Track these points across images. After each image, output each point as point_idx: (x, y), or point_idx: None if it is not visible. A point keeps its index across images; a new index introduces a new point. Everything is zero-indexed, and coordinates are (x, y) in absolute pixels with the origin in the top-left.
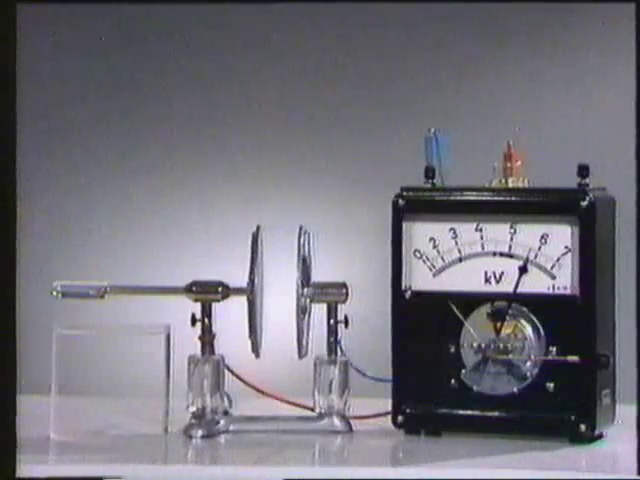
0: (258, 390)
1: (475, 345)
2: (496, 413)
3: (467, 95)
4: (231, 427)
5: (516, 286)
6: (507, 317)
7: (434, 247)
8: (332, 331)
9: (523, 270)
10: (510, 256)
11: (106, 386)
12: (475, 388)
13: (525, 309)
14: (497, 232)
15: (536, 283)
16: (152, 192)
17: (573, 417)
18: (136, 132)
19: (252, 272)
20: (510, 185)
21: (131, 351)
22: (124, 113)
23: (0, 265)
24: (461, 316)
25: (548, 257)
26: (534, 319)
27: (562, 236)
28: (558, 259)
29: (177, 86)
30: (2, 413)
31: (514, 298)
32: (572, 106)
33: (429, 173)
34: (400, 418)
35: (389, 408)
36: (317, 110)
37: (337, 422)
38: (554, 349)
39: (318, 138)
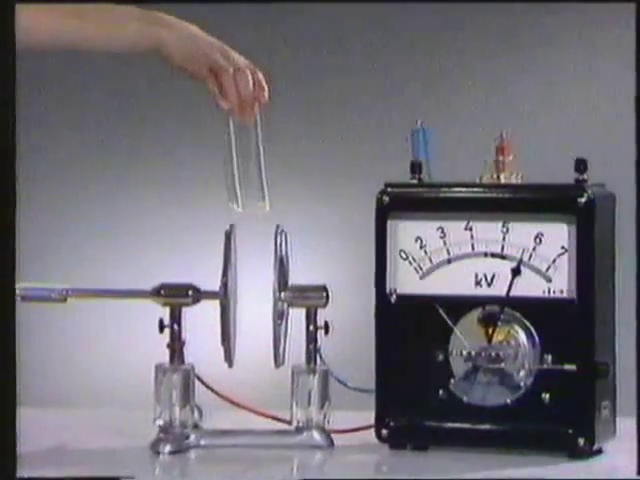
0: (231, 402)
1: (465, 353)
2: (487, 426)
3: (456, 86)
4: (202, 442)
5: (509, 289)
6: (499, 323)
7: (421, 247)
8: (311, 338)
9: (516, 272)
10: (502, 257)
11: (71, 397)
12: (465, 399)
13: (518, 314)
14: (488, 231)
15: (530, 286)
16: (120, 188)
17: (570, 430)
18: (104, 130)
19: (225, 274)
20: (502, 181)
21: (88, 361)
22: (91, 110)
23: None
24: (450, 321)
25: (543, 258)
26: (528, 325)
27: (558, 235)
28: (554, 260)
29: (153, 86)
30: (2, 413)
31: (507, 302)
32: (568, 97)
33: (415, 168)
34: (384, 432)
35: (372, 421)
36: (294, 102)
37: (316, 436)
38: (550, 357)
39: (294, 129)
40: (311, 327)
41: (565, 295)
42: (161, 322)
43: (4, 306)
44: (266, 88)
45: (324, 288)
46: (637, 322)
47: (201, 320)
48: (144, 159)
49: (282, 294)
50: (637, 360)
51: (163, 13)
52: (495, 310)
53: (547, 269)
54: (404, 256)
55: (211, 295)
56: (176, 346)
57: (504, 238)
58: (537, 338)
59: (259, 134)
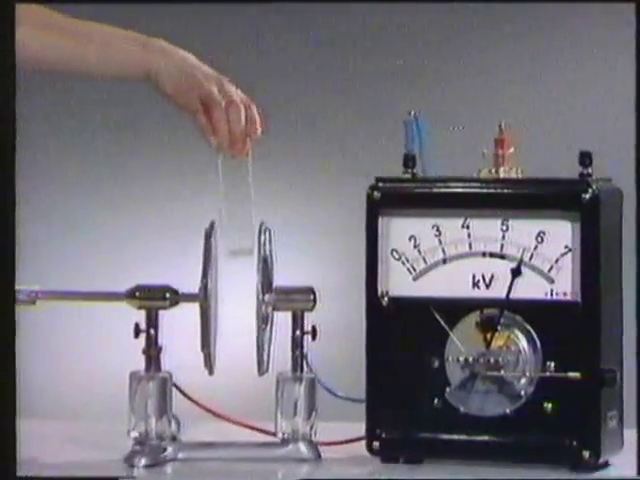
0: (211, 412)
1: (462, 359)
2: (485, 438)
3: (452, 74)
4: (180, 455)
5: (508, 291)
6: (498, 327)
7: (415, 246)
8: (297, 343)
9: (516, 273)
10: (502, 257)
11: (41, 407)
12: (461, 409)
13: (519, 318)
14: (487, 229)
15: (532, 288)
16: (97, 186)
17: (574, 442)
18: (78, 133)
19: (205, 275)
20: (502, 175)
21: (59, 369)
22: (71, 115)
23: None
24: (446, 326)
25: (545, 258)
26: (529, 329)
27: (561, 234)
28: (557, 260)
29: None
30: (2, 413)
31: (506, 305)
32: (572, 86)
33: (409, 162)
34: (375, 444)
35: (363, 432)
36: (280, 95)
37: (303, 449)
38: (552, 364)
39: (279, 121)
40: (297, 332)
41: (569, 297)
42: (136, 327)
43: (4, 309)
44: (260, 123)
45: (311, 290)
46: (637, 323)
47: (179, 324)
48: (123, 159)
49: (266, 296)
50: (637, 364)
51: (160, 39)
52: (494, 313)
53: (549, 269)
54: (397, 256)
55: (190, 297)
56: (152, 352)
57: (503, 237)
58: (539, 343)
59: (250, 171)
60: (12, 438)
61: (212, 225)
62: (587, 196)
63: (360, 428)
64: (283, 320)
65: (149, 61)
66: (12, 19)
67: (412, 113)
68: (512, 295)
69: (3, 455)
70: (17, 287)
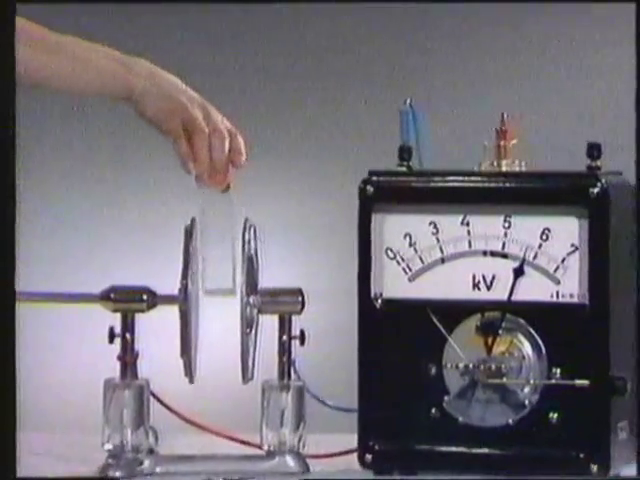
0: (192, 423)
1: (461, 366)
2: (486, 450)
3: (451, 62)
4: (157, 469)
5: (511, 293)
6: (500, 331)
7: (410, 245)
8: (284, 349)
9: (519, 273)
10: (504, 256)
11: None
12: (461, 419)
13: (522, 321)
14: (488, 226)
15: (536, 289)
16: (71, 181)
17: (582, 455)
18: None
19: (185, 276)
20: (504, 168)
21: (29, 377)
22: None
23: None
24: (444, 330)
25: (551, 257)
26: (534, 334)
27: (568, 231)
28: (563, 260)
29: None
30: (2, 412)
31: (509, 308)
32: (579, 74)
33: (404, 154)
34: (368, 456)
35: (355, 444)
36: (266, 79)
37: (290, 462)
38: (558, 371)
39: (265, 107)
40: (284, 337)
41: (576, 299)
42: (111, 331)
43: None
44: (244, 154)
45: (299, 292)
46: (637, 324)
47: (157, 328)
48: (95, 154)
49: (251, 299)
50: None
51: (145, 59)
52: (495, 317)
53: (555, 270)
54: (391, 255)
55: (169, 299)
56: (128, 358)
57: (506, 234)
58: (544, 349)
59: (233, 203)
60: (12, 438)
61: (193, 222)
62: (596, 190)
63: (352, 440)
64: (269, 324)
65: (131, 81)
66: (12, 19)
67: (408, 101)
68: (515, 297)
69: (3, 455)
70: None
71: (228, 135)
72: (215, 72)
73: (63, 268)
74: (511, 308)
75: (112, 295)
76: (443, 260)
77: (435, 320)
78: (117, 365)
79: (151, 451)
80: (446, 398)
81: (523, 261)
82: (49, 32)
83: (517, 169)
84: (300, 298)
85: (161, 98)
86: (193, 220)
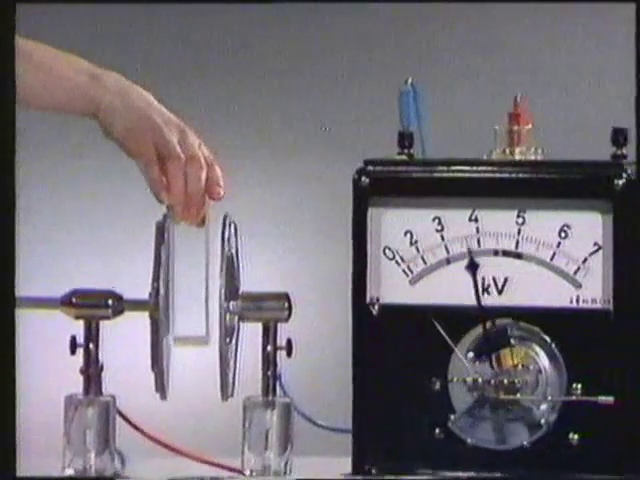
0: (163, 445)
1: (469, 380)
2: (498, 474)
3: (457, 40)
4: None
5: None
6: (513, 341)
7: (412, 243)
8: (269, 361)
9: (474, 267)
10: (518, 256)
11: None
12: (468, 440)
13: (538, 330)
14: (499, 223)
15: (554, 294)
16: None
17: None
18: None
19: (156, 278)
20: (517, 157)
21: None
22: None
23: None
24: (449, 340)
25: (570, 257)
26: (551, 344)
27: (590, 228)
28: (584, 260)
29: None
30: (2, 412)
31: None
32: (602, 53)
33: (404, 140)
34: None
35: (349, 469)
36: (252, 57)
37: None
38: (579, 386)
39: (249, 92)
40: (269, 347)
41: (598, 305)
42: (73, 340)
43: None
44: (222, 185)
45: (285, 297)
46: None
47: (125, 338)
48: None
49: (231, 304)
50: None
51: (117, 74)
52: (508, 325)
53: (575, 271)
54: (390, 255)
55: (138, 305)
56: (92, 371)
57: (520, 232)
58: (562, 361)
59: (208, 240)
60: (12, 438)
61: (165, 217)
62: (621, 182)
63: (345, 464)
64: (252, 333)
65: (97, 95)
66: (12, 19)
67: (409, 81)
68: (530, 302)
69: (3, 455)
70: None
71: (205, 164)
72: (203, 59)
73: (25, 271)
74: (525, 315)
75: (74, 300)
76: (449, 261)
77: (440, 329)
78: (80, 379)
79: (117, 476)
80: (452, 417)
81: (470, 253)
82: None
83: (532, 157)
84: (287, 303)
85: (131, 116)
86: (165, 216)
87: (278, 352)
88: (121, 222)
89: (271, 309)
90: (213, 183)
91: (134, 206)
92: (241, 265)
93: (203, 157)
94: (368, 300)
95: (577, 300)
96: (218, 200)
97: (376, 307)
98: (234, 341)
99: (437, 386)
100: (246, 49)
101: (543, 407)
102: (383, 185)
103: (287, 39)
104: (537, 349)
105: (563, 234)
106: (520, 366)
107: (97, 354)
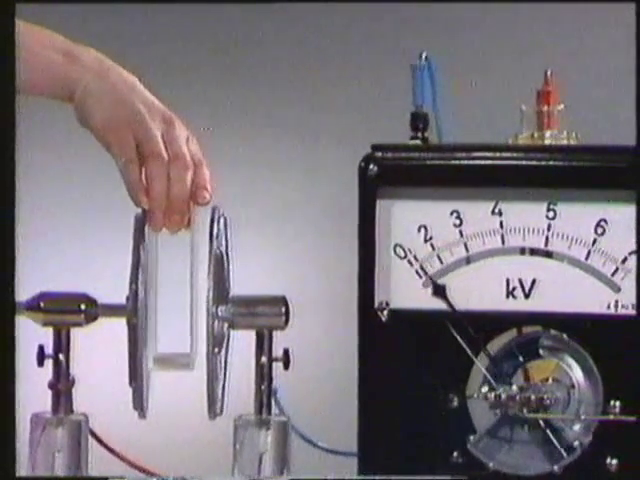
0: (142, 469)
1: (491, 396)
2: None
3: (480, 10)
4: None
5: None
6: (542, 352)
7: (426, 240)
8: (264, 374)
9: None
10: (547, 254)
11: None
12: (491, 465)
13: (571, 339)
14: (527, 217)
15: (589, 298)
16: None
17: None
18: None
19: (134, 280)
20: (547, 141)
21: None
22: None
23: None
24: (469, 350)
25: (608, 257)
26: (586, 355)
27: (630, 223)
28: (624, 260)
29: None
30: (2, 412)
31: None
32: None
33: (418, 122)
34: None
35: None
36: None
37: None
38: (617, 404)
39: (246, 78)
40: (263, 358)
41: None
42: (41, 350)
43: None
44: (209, 189)
45: (282, 301)
46: None
47: (100, 348)
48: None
49: (220, 309)
50: None
51: (97, 52)
52: (536, 333)
53: (613, 273)
54: (401, 254)
55: (114, 310)
56: (62, 386)
57: (550, 227)
58: (598, 375)
59: (195, 251)
60: (12, 438)
61: (145, 212)
62: None
63: None
64: (244, 341)
65: (73, 76)
66: (12, 19)
67: (423, 56)
68: (561, 308)
69: (3, 455)
70: None
71: (192, 164)
72: (206, 50)
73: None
74: (556, 322)
75: (42, 304)
76: (468, 260)
77: (458, 337)
78: (48, 395)
79: None
80: (472, 438)
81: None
82: None
83: (565, 142)
84: (283, 308)
85: (111, 102)
86: (145, 210)
87: (274, 364)
88: (101, 219)
89: (266, 315)
90: (200, 186)
91: (108, 209)
92: (232, 265)
93: (189, 155)
94: (376, 305)
95: (615, 306)
96: (204, 205)
97: (385, 313)
98: (223, 351)
99: (455, 403)
100: (251, 35)
101: (576, 427)
102: (393, 174)
103: (292, 21)
104: (569, 361)
105: (600, 230)
106: (550, 380)
107: (68, 366)
